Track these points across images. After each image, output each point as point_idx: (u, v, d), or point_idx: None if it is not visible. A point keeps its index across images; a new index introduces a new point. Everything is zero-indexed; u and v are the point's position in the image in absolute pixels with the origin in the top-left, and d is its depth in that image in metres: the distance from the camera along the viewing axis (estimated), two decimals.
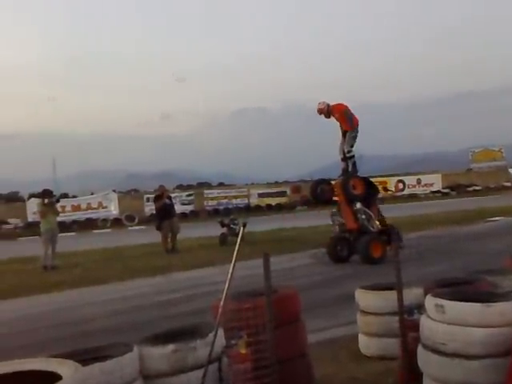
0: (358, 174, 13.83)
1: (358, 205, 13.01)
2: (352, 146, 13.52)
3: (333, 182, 14.35)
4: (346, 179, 13.49)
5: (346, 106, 13.61)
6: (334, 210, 13.77)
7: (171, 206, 18.39)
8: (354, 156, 13.61)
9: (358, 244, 12.79)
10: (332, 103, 13.62)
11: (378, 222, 13.11)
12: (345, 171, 13.65)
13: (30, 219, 33.68)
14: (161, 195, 18.40)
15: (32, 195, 39.26)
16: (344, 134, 13.54)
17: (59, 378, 2.67)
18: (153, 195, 39.41)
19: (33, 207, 31.35)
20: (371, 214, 13.07)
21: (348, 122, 13.44)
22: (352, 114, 13.53)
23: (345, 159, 13.57)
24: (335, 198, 13.87)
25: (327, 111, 13.44)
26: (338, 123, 13.62)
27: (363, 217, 12.92)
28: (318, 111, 13.58)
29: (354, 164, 13.64)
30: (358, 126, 13.58)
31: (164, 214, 17.76)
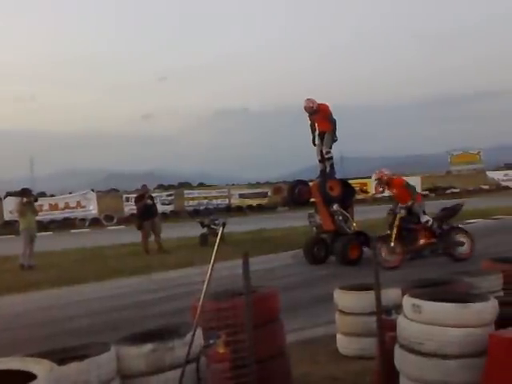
0: (337, 175, 13.87)
1: (335, 206, 13.01)
2: (331, 148, 13.51)
3: (310, 184, 14.38)
4: (322, 180, 13.49)
5: (329, 107, 13.63)
6: (311, 212, 13.79)
7: (153, 205, 18.15)
8: (332, 157, 13.61)
9: (334, 245, 12.81)
10: (318, 102, 13.59)
11: (354, 224, 13.17)
12: (323, 172, 13.65)
13: (6, 218, 33.31)
14: (143, 195, 18.22)
15: (9, 194, 38.85)
16: (321, 135, 13.53)
17: (34, 377, 2.65)
18: (132, 195, 39.30)
19: (9, 206, 31.03)
20: (348, 215, 13.10)
21: (330, 123, 13.45)
22: (332, 115, 13.56)
23: (323, 160, 13.57)
24: (312, 200, 13.88)
25: (314, 109, 13.39)
26: (315, 123, 13.57)
27: (340, 218, 12.92)
28: (305, 108, 13.51)
29: (332, 165, 13.64)
30: (335, 127, 13.60)
31: (145, 214, 17.60)
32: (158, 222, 17.86)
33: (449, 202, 13.90)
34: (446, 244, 11.92)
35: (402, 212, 11.90)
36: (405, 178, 14.49)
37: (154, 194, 22.39)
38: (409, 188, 12.44)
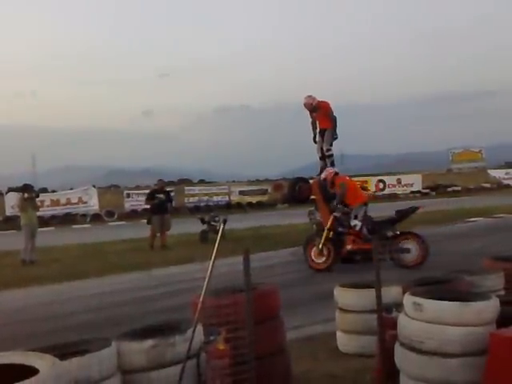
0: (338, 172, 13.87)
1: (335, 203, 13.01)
2: (331, 145, 13.50)
3: (311, 181, 14.37)
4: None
5: (330, 104, 13.63)
6: (311, 209, 13.77)
7: (166, 201, 17.93)
8: (332, 155, 13.61)
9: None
10: (318, 99, 13.60)
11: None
12: (323, 170, 13.66)
13: (8, 213, 33.33)
14: (156, 190, 18.09)
15: (11, 189, 38.86)
16: (322, 132, 13.54)
17: (36, 371, 2.65)
18: (132, 191, 39.28)
19: (11, 201, 31.04)
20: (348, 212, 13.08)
21: (330, 121, 13.45)
22: (333, 113, 13.57)
23: (323, 158, 13.57)
24: (313, 197, 13.87)
25: (314, 106, 13.41)
26: (316, 121, 13.59)
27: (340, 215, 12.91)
28: (304, 105, 13.53)
29: (333, 163, 13.64)
30: (336, 125, 13.61)
31: (157, 209, 17.46)
32: (168, 219, 17.63)
33: (404, 204, 13.61)
34: (388, 250, 11.39)
35: (337, 213, 11.82)
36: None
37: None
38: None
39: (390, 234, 11.73)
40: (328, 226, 11.71)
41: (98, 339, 3.92)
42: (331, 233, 11.69)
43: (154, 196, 17.85)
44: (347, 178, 12.53)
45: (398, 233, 11.82)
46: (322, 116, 13.49)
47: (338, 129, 13.58)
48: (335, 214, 11.78)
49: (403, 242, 11.61)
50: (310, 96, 13.53)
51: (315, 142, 13.72)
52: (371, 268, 4.89)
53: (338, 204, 11.85)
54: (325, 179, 12.33)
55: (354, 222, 11.69)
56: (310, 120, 13.74)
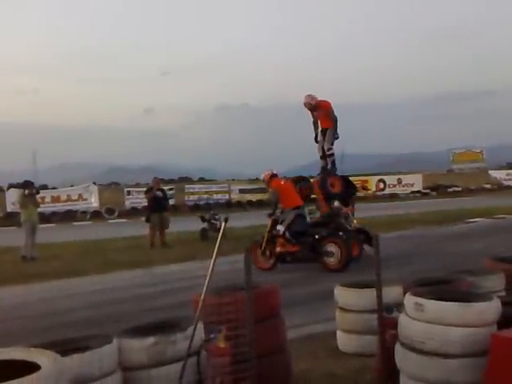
0: (338, 172, 13.86)
1: (336, 203, 13.02)
2: (332, 144, 13.50)
3: (312, 180, 14.38)
4: (324, 177, 13.50)
5: (331, 104, 13.63)
6: (311, 208, 13.79)
7: (163, 198, 17.87)
8: (333, 154, 13.61)
9: None
10: (318, 98, 13.60)
11: (355, 221, 13.16)
12: (324, 169, 13.67)
13: (8, 209, 33.39)
14: (152, 187, 18.05)
15: (11, 185, 38.91)
16: (323, 131, 13.54)
17: (38, 367, 2.66)
18: (133, 189, 39.31)
19: (12, 198, 31.10)
20: (349, 212, 13.09)
21: (331, 120, 13.45)
22: (333, 112, 13.57)
23: (324, 157, 13.58)
24: (313, 196, 13.88)
25: (314, 105, 13.42)
26: (318, 120, 13.59)
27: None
28: (304, 104, 13.53)
29: (334, 162, 13.63)
30: (337, 125, 13.64)
31: (154, 207, 17.44)
32: (167, 216, 17.60)
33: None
34: (313, 253, 11.77)
35: (277, 216, 12.16)
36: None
37: None
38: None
39: (316, 236, 11.93)
40: (268, 228, 12.07)
41: (99, 336, 3.93)
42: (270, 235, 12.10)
43: (151, 190, 17.86)
44: (281, 183, 12.37)
45: (324, 235, 11.95)
46: (323, 115, 13.48)
47: (338, 128, 13.59)
48: (273, 217, 12.08)
49: (328, 245, 11.74)
50: (309, 95, 13.52)
51: (317, 141, 13.71)
52: (372, 268, 4.88)
53: (274, 211, 12.21)
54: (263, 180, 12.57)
55: (278, 227, 11.96)
56: (312, 119, 13.74)
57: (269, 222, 12.15)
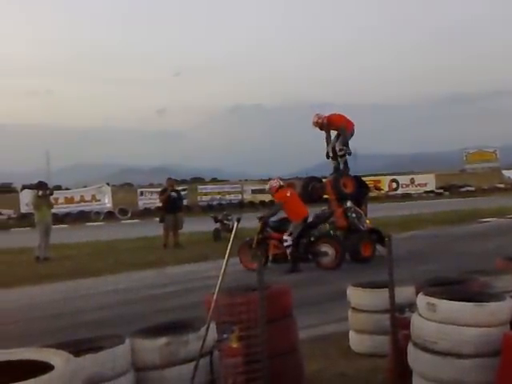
0: (350, 172, 13.84)
1: (349, 203, 13.00)
2: (345, 145, 13.49)
3: (324, 180, 14.37)
4: (336, 177, 13.47)
5: (342, 116, 13.69)
6: (324, 208, 13.77)
7: (177, 199, 17.88)
8: (345, 154, 13.55)
9: (347, 242, 12.75)
10: (326, 114, 13.63)
11: (368, 221, 13.13)
12: (336, 169, 13.65)
13: (22, 210, 33.60)
14: (166, 188, 17.99)
15: (25, 186, 39.16)
16: (337, 130, 13.56)
17: (51, 368, 2.67)
18: (146, 189, 39.43)
19: (26, 198, 31.28)
20: (361, 212, 13.06)
21: (347, 121, 13.55)
22: (348, 121, 13.60)
23: (335, 157, 13.56)
24: (326, 196, 13.86)
25: (324, 123, 13.48)
26: (330, 136, 13.67)
27: (353, 215, 12.88)
28: (313, 124, 13.57)
29: (346, 162, 13.61)
30: (353, 129, 13.66)
31: (169, 208, 17.42)
32: (181, 217, 17.60)
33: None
34: (309, 253, 11.96)
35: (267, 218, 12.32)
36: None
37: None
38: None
39: (311, 238, 12.09)
40: (258, 230, 12.15)
41: (112, 336, 3.95)
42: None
43: (166, 191, 17.85)
44: (287, 195, 12.28)
45: (318, 236, 12.21)
46: (336, 119, 13.60)
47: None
48: (265, 219, 12.21)
49: (322, 245, 11.94)
50: (316, 114, 13.61)
51: (328, 157, 13.76)
52: (384, 268, 4.87)
53: (269, 216, 12.39)
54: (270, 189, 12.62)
55: (286, 237, 11.91)
56: (325, 135, 13.75)
57: (259, 224, 12.20)
